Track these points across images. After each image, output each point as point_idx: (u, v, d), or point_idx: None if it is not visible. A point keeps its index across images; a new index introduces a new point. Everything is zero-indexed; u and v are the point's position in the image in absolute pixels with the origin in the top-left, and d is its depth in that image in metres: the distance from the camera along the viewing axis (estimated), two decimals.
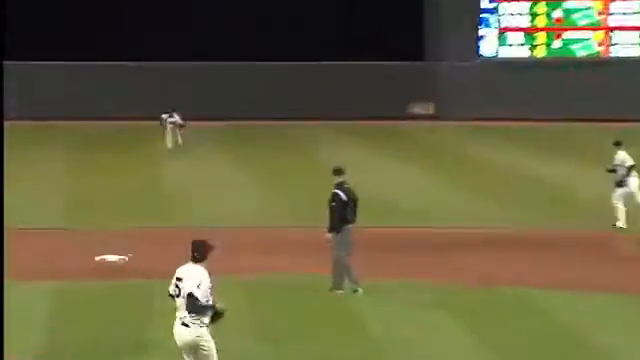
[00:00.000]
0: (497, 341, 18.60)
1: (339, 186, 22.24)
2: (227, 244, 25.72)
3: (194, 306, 12.22)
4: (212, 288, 12.55)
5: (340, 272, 21.49)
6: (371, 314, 19.66)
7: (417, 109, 68.54)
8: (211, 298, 12.59)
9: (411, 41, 66.83)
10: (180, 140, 49.58)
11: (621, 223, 28.89)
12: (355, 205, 22.44)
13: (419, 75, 68.06)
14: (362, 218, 21.59)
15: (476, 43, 66.45)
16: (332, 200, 21.73)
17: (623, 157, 30.40)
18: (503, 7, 66.48)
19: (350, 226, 21.95)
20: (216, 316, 12.63)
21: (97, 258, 25.16)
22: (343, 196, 21.70)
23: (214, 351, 12.77)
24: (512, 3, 66.84)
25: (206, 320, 12.52)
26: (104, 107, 63.26)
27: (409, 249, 26.88)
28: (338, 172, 22.43)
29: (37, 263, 24.71)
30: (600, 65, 64.73)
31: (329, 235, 21.70)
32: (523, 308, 20.73)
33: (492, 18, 67.19)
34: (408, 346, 17.92)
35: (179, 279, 12.57)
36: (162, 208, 34.28)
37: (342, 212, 22.12)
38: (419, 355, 17.54)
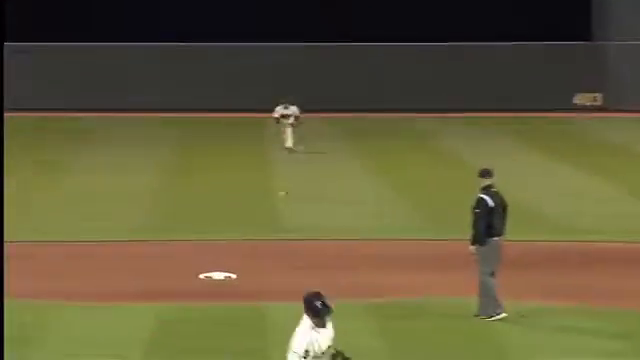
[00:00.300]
0: None
1: (485, 190, 20.16)
2: (349, 259, 25.13)
3: None
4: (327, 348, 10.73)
5: (487, 293, 19.55)
6: (516, 342, 17.87)
7: (581, 99, 63.17)
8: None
9: (573, 18, 61.88)
10: (291, 142, 45.00)
11: None
12: (504, 213, 20.45)
13: (583, 58, 63.20)
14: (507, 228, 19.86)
15: None
16: (476, 206, 19.74)
17: None
18: None
19: (497, 238, 19.83)
20: None
21: (201, 276, 23.76)
22: (490, 202, 19.64)
23: None
24: None
25: None
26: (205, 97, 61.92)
27: (559, 265, 24.80)
28: (485, 174, 20.43)
29: (135, 281, 23.48)
30: None
31: (472, 248, 19.69)
32: None
33: None
34: None
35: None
36: (274, 217, 32.82)
37: (488, 220, 20.04)
38: None
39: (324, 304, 10.58)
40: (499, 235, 20.61)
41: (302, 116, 44.90)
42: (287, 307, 19.28)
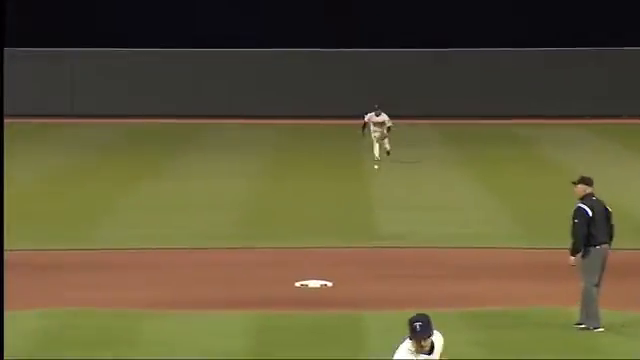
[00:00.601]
0: None
1: (585, 199, 19.71)
2: (446, 267, 25.20)
3: None
4: None
5: (589, 303, 19.03)
6: (619, 352, 17.35)
7: None
8: None
9: None
10: (388, 146, 43.01)
11: None
12: (608, 221, 19.71)
13: None
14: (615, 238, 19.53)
15: None
16: (575, 216, 19.31)
17: None
18: None
19: (599, 247, 19.28)
20: None
21: (297, 284, 23.74)
22: (588, 211, 19.15)
23: None
24: None
25: None
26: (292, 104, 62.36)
27: None
28: (584, 182, 19.96)
29: (231, 289, 23.57)
30: None
31: (572, 259, 19.29)
32: None
33: None
34: None
35: None
36: (369, 224, 32.68)
37: (587, 230, 19.48)
38: None
39: (421, 326, 10.29)
40: (601, 244, 19.99)
41: (393, 123, 43.04)
42: (383, 316, 21.09)
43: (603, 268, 19.60)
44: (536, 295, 21.91)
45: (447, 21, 64.30)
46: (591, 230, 19.38)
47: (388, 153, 42.20)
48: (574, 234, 19.21)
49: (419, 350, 10.60)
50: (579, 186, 19.74)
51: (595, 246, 19.22)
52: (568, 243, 19.41)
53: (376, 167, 42.15)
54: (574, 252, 19.22)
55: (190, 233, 31.67)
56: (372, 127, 42.30)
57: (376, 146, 42.35)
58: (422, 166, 44.44)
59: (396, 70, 62.96)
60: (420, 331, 10.46)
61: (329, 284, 24.18)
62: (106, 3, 64.80)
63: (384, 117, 42.25)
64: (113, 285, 24.93)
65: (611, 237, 20.32)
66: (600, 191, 20.03)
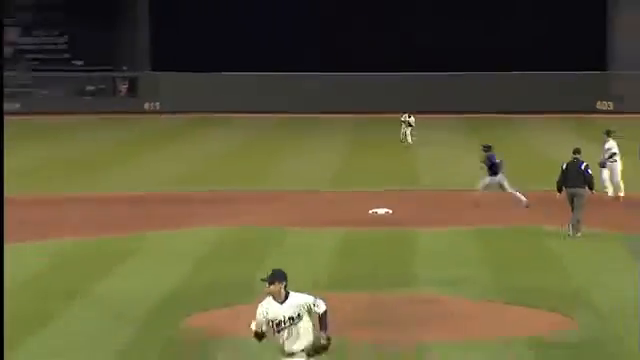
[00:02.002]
0: None
1: (570, 160, 28.90)
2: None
3: None
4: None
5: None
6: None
7: None
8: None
9: None
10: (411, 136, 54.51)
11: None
12: (579, 173, 28.16)
13: None
14: None
15: None
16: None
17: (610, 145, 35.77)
18: None
19: (569, 189, 27.92)
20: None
21: (370, 211, 32.91)
22: (563, 166, 28.23)
23: None
24: None
25: None
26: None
27: None
28: (574, 152, 28.61)
29: (328, 214, 32.62)
30: None
31: (557, 194, 28.23)
32: None
33: None
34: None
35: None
36: (411, 175, 42.58)
37: (560, 178, 28.40)
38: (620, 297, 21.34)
39: (270, 275, 12.42)
40: (570, 187, 28.14)
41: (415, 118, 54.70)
42: (427, 232, 29.99)
43: (572, 201, 28.22)
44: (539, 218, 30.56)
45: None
46: (563, 177, 28.45)
47: (409, 143, 53.29)
48: (557, 181, 28.45)
49: (275, 298, 12.69)
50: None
51: (566, 187, 28.20)
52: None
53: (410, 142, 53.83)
54: (558, 190, 28.32)
55: (304, 178, 41.54)
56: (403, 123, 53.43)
57: (407, 135, 53.78)
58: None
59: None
60: (267, 277, 12.68)
61: (390, 211, 32.89)
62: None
63: (411, 119, 53.29)
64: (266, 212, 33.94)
65: (586, 183, 28.83)
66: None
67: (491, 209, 33.78)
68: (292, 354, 12.43)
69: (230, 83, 69.23)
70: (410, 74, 69.51)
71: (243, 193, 38.80)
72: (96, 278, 25.33)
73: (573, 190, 28.70)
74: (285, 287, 12.49)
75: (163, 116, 68.32)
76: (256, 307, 12.62)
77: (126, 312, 21.18)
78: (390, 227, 30.76)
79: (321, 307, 12.66)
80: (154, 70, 69.24)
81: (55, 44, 74.63)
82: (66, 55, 73.35)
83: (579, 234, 28.49)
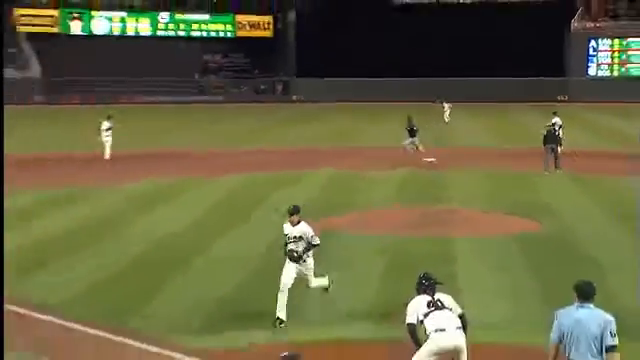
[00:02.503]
0: None
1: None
2: None
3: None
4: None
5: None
6: None
7: None
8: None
9: None
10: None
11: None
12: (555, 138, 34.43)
13: None
14: None
15: None
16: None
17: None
18: None
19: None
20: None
21: (423, 159, 39.43)
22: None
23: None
24: None
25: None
26: None
27: None
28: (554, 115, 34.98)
29: (398, 162, 38.68)
30: None
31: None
32: None
33: None
34: None
35: None
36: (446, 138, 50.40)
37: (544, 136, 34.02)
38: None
39: (292, 208, 16.41)
40: (548, 144, 33.56)
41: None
42: (457, 173, 35.68)
43: (552, 150, 33.07)
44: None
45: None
46: (544, 139, 33.92)
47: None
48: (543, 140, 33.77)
49: (291, 223, 16.13)
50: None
51: (546, 145, 33.07)
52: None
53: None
54: (543, 144, 33.07)
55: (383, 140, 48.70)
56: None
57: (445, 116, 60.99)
58: None
59: None
60: (289, 209, 16.18)
61: (435, 160, 38.92)
62: None
63: (447, 105, 61.00)
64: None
65: (557, 142, 33.74)
66: None
67: (499, 160, 40.00)
68: (292, 252, 16.17)
69: (341, 84, 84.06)
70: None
71: (349, 148, 46.87)
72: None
73: (552, 145, 35.15)
74: (299, 217, 16.27)
75: (304, 105, 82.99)
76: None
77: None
78: (434, 170, 37.45)
79: (315, 240, 16.27)
80: (298, 76, 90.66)
81: (243, 62, 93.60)
82: (248, 67, 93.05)
83: (559, 171, 34.19)
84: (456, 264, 20.12)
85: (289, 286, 15.83)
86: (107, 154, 40.67)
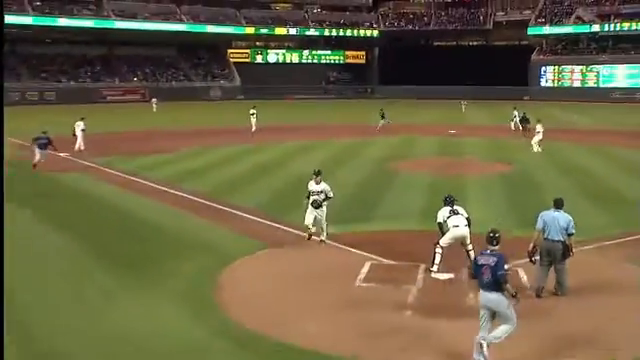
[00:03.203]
0: None
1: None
2: None
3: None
4: None
5: None
6: None
7: None
8: None
9: None
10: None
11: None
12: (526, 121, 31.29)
13: None
14: None
15: None
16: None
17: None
18: None
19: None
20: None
21: (449, 131, 36.96)
22: None
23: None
24: None
25: None
26: None
27: None
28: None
29: (428, 132, 37.67)
30: None
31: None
32: None
33: None
34: None
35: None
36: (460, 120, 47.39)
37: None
38: None
39: (316, 172, 13.28)
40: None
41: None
42: (471, 139, 33.05)
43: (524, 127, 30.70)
44: None
45: None
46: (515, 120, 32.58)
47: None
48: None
49: (315, 182, 13.26)
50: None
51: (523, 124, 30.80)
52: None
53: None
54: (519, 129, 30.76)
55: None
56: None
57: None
58: None
59: None
60: (315, 172, 13.30)
61: (454, 131, 36.80)
62: None
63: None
64: None
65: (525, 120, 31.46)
66: None
67: (492, 132, 37.05)
68: (315, 201, 13.14)
69: (404, 89, 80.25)
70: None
71: (407, 125, 42.31)
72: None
73: (523, 124, 32.44)
74: (321, 178, 13.16)
75: (383, 100, 77.96)
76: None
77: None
78: (454, 137, 35.29)
79: (330, 194, 13.26)
80: (379, 84, 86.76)
81: (348, 77, 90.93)
82: (351, 80, 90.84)
83: (524, 139, 30.55)
84: (466, 189, 19.58)
85: (310, 225, 12.95)
86: (79, 144, 28.74)
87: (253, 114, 37.73)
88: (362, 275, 11.36)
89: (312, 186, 13.11)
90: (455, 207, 11.43)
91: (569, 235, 10.00)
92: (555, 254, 10.00)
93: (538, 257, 10.32)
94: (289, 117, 51.50)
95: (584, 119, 49.04)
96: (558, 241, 9.95)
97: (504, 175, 22.67)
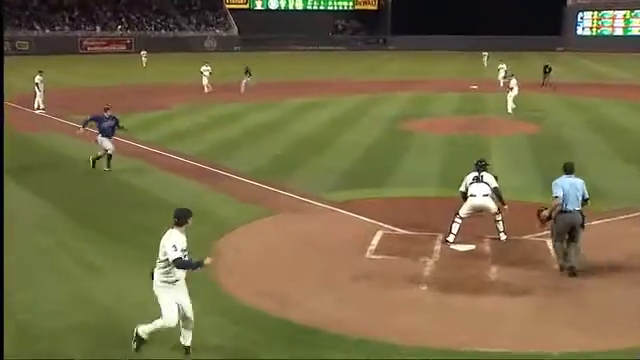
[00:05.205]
0: None
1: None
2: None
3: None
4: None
5: None
6: None
7: None
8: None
9: None
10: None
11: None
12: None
13: None
14: None
15: None
16: None
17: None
18: None
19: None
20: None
21: (470, 86, 37.93)
22: None
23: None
24: None
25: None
26: None
27: None
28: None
29: (450, 88, 37.84)
30: None
31: None
32: None
33: None
34: None
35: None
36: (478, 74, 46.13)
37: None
38: None
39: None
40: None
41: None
42: (491, 94, 32.73)
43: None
44: None
45: None
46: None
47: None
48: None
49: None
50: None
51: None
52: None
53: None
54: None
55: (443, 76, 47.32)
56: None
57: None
58: None
59: None
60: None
61: (476, 86, 37.25)
62: None
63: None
64: None
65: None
66: None
67: (526, 88, 33.87)
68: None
69: (418, 39, 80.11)
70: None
71: (422, 80, 43.88)
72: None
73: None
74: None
75: (396, 52, 79.65)
76: None
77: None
78: (475, 92, 36.27)
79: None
80: (392, 34, 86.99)
81: (358, 25, 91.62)
82: (362, 28, 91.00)
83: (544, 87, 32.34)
84: (489, 151, 19.55)
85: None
86: (37, 102, 28.47)
87: (206, 71, 36.16)
88: (373, 246, 11.39)
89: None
90: (483, 174, 11.27)
91: (585, 201, 9.97)
92: (576, 226, 9.93)
93: (550, 231, 10.25)
94: (292, 71, 51.81)
95: (623, 73, 48.82)
96: (578, 211, 9.93)
97: (532, 136, 22.74)
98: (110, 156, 17.31)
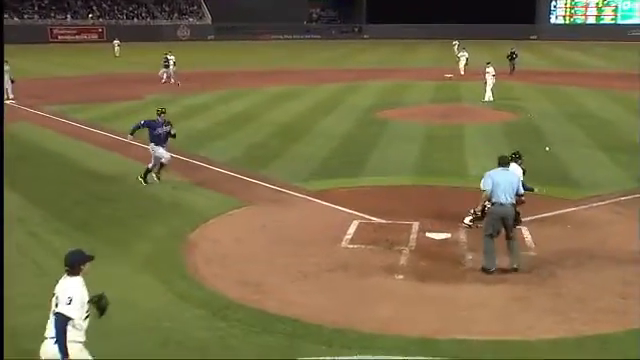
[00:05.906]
0: None
1: None
2: None
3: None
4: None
5: None
6: None
7: None
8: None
9: None
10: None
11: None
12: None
13: None
14: None
15: None
16: None
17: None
18: None
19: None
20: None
21: (445, 75, 37.94)
22: None
23: None
24: None
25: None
26: None
27: None
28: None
29: (428, 76, 37.78)
30: None
31: None
32: None
33: None
34: None
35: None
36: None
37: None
38: None
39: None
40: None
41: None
42: (468, 83, 33.00)
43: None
44: None
45: None
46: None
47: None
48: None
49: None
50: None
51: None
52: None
53: None
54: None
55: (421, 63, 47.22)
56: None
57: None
58: None
59: None
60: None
61: (452, 75, 37.13)
62: None
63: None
64: None
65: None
66: None
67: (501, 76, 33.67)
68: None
69: (393, 28, 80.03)
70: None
71: (397, 68, 43.96)
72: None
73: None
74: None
75: (371, 40, 79.36)
76: None
77: None
78: (452, 81, 36.11)
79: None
80: (367, 23, 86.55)
81: (333, 14, 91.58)
82: (336, 17, 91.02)
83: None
84: (464, 140, 19.64)
85: None
86: (7, 92, 27.46)
87: (168, 60, 34.81)
88: (349, 236, 11.40)
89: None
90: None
91: (519, 196, 9.74)
92: (508, 220, 9.61)
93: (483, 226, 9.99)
94: (267, 60, 51.80)
95: (597, 61, 49.23)
96: (511, 204, 9.64)
97: (508, 123, 22.82)
98: (162, 165, 15.01)
